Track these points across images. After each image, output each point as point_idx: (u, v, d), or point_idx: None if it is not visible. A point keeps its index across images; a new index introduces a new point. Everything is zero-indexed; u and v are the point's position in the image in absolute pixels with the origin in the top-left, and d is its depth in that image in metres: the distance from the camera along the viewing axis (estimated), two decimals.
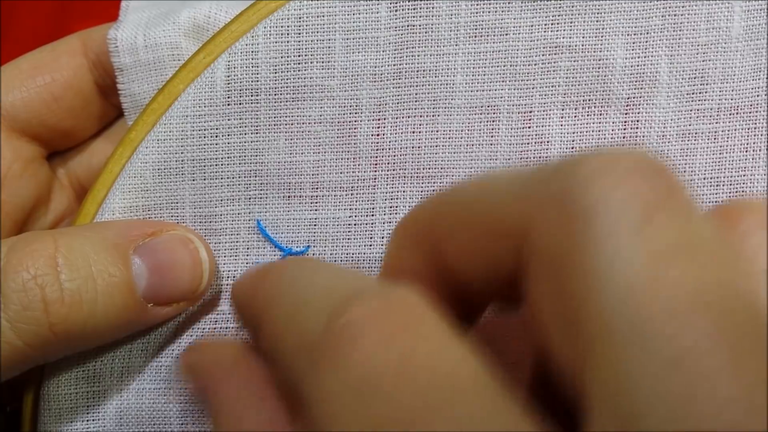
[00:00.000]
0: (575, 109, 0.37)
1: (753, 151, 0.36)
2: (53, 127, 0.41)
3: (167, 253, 0.36)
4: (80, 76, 0.41)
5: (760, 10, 0.36)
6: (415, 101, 0.37)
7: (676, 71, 0.36)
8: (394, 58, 0.37)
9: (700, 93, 0.36)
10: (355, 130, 0.37)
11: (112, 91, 0.41)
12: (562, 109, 0.37)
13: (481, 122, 0.37)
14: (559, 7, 0.36)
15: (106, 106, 0.42)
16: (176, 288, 0.36)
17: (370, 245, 0.38)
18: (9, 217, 0.39)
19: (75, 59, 0.41)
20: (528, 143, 0.37)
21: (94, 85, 0.41)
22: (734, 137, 0.36)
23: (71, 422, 0.38)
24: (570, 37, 0.36)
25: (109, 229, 0.36)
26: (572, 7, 0.36)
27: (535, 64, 0.37)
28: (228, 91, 0.37)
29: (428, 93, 0.37)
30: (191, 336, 0.38)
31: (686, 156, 0.36)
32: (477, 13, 0.37)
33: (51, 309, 0.33)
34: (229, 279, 0.38)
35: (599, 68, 0.36)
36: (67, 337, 0.34)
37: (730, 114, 0.36)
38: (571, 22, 0.36)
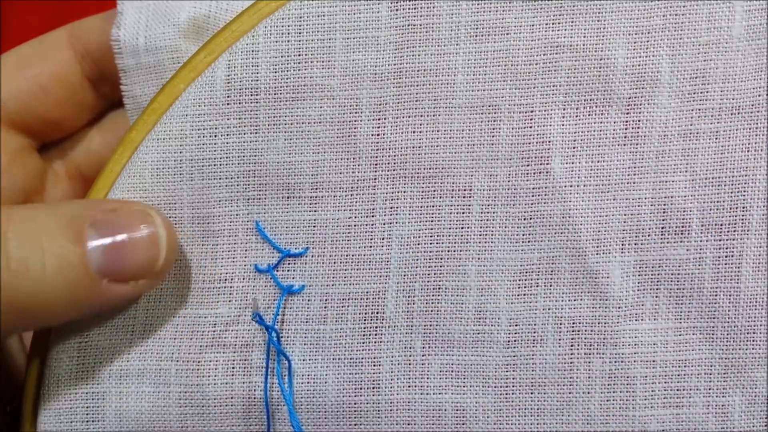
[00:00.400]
0: (576, 109, 0.37)
1: (754, 150, 0.36)
2: (42, 118, 0.41)
3: (123, 228, 0.35)
4: (68, 67, 0.41)
5: (761, 9, 0.36)
6: (416, 101, 0.37)
7: (678, 71, 0.36)
8: (395, 57, 0.37)
9: (701, 93, 0.36)
10: (355, 130, 0.37)
11: (101, 83, 0.42)
12: (564, 109, 0.37)
13: (481, 122, 0.37)
14: (560, 7, 0.36)
15: (96, 98, 0.42)
16: (133, 264, 0.35)
17: (371, 246, 0.38)
18: None
19: (62, 51, 0.41)
20: (529, 143, 0.37)
21: (83, 77, 0.41)
22: (735, 137, 0.36)
23: (71, 422, 0.38)
24: (571, 37, 0.36)
25: (67, 206, 0.36)
26: (573, 6, 0.36)
27: (536, 64, 0.37)
28: (228, 90, 0.37)
29: (429, 92, 0.37)
30: (191, 339, 0.38)
31: (687, 156, 0.36)
32: (478, 12, 0.37)
33: None
34: (228, 281, 0.38)
35: (600, 68, 0.36)
36: (17, 306, 0.34)
37: (731, 114, 0.36)
38: (572, 22, 0.36)
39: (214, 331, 0.38)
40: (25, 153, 0.41)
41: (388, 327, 0.38)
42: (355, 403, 0.38)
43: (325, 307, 0.38)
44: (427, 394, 0.38)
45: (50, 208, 0.35)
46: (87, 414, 0.38)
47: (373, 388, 0.38)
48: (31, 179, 0.41)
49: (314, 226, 0.38)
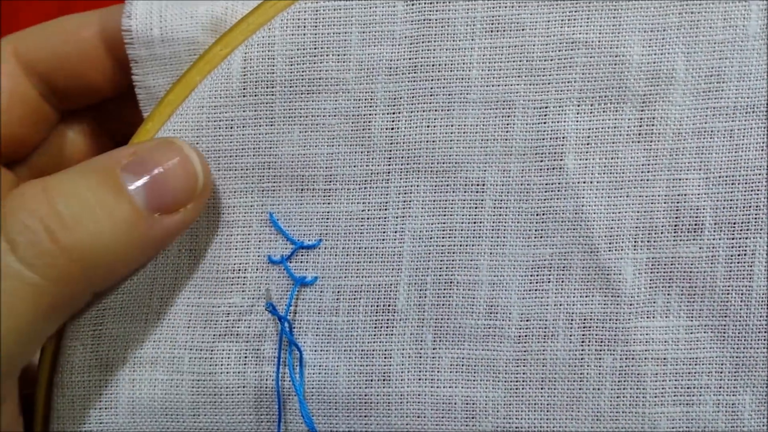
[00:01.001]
0: (591, 105, 0.37)
1: None
2: (9, 138, 0.41)
3: (154, 160, 0.36)
4: (23, 87, 0.41)
5: None
6: (430, 95, 0.37)
7: (693, 69, 0.36)
8: (410, 51, 0.37)
9: (716, 91, 0.36)
10: (370, 124, 0.37)
11: (50, 96, 0.42)
12: (578, 105, 0.37)
13: (495, 117, 0.37)
14: (576, 3, 0.36)
15: (50, 111, 0.42)
16: (176, 191, 0.36)
17: (383, 239, 0.38)
18: None
19: (14, 69, 0.41)
20: (543, 138, 0.37)
21: (38, 95, 0.41)
22: (750, 136, 0.36)
23: (84, 409, 0.38)
24: (587, 33, 0.36)
25: (93, 162, 0.36)
26: (589, 3, 0.36)
27: (551, 60, 0.37)
28: (244, 83, 0.37)
29: (443, 87, 0.37)
30: (204, 328, 0.38)
31: (701, 154, 0.36)
32: (493, 7, 0.37)
33: (56, 236, 0.34)
34: (241, 272, 0.38)
35: (615, 64, 0.36)
36: (83, 261, 0.34)
37: (746, 112, 0.36)
38: (587, 18, 0.36)
39: (227, 321, 0.38)
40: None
41: (400, 320, 0.38)
42: (365, 395, 0.38)
43: (337, 299, 0.38)
44: (437, 387, 0.38)
45: (79, 169, 0.35)
46: (100, 401, 0.39)
47: (384, 380, 0.38)
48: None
49: (327, 219, 0.38)
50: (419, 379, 0.38)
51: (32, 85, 0.41)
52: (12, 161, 0.42)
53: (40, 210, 0.34)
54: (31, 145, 0.42)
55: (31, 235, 0.33)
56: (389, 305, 0.38)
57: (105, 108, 0.43)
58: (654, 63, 0.36)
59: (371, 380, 0.38)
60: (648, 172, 0.37)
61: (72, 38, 0.41)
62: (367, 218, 0.38)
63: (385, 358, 0.38)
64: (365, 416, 0.38)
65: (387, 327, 0.38)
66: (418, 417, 0.38)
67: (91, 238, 0.34)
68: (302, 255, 0.38)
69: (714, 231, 0.36)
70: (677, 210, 0.37)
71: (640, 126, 0.37)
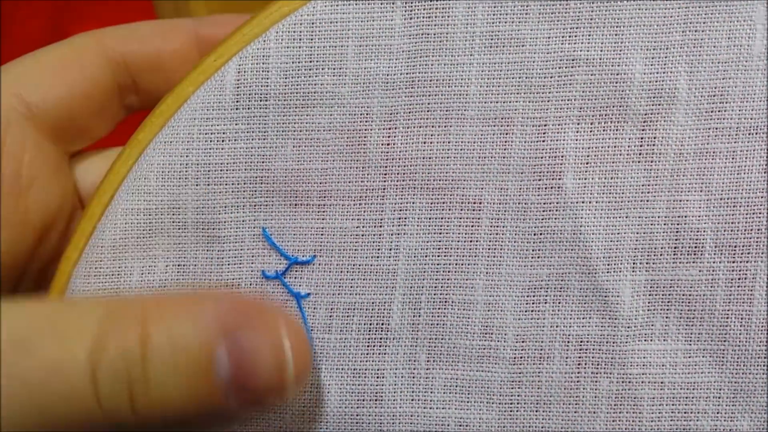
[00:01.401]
0: (591, 124, 0.36)
1: None
2: (80, 126, 0.40)
3: (253, 354, 0.33)
4: (105, 76, 0.40)
5: None
6: (428, 111, 0.36)
7: (696, 88, 0.36)
8: (407, 66, 0.36)
9: (719, 111, 0.36)
10: (365, 139, 0.37)
11: (128, 91, 0.41)
12: (578, 123, 0.36)
13: (494, 134, 0.36)
14: (578, 19, 0.36)
15: (120, 108, 0.42)
16: (257, 386, 0.33)
17: (378, 256, 0.37)
18: (31, 227, 0.38)
19: (98, 58, 0.40)
20: (541, 157, 0.36)
21: (115, 85, 0.41)
22: (753, 158, 0.35)
23: None
24: (588, 50, 0.36)
25: (205, 309, 0.33)
26: (591, 19, 0.36)
27: (551, 77, 0.36)
28: (237, 95, 0.37)
29: (441, 103, 0.36)
30: None
31: (703, 175, 0.36)
32: (493, 23, 0.36)
33: (138, 402, 0.32)
34: (235, 287, 0.38)
35: (617, 82, 0.36)
36: (146, 421, 0.32)
37: (749, 134, 0.35)
38: (589, 35, 0.36)
39: None
40: (63, 166, 0.40)
41: (393, 339, 0.37)
42: (357, 415, 0.38)
43: (330, 316, 0.38)
44: (430, 408, 0.37)
45: (188, 314, 0.33)
46: None
47: (376, 399, 0.38)
48: (67, 196, 0.40)
49: (321, 235, 0.37)
50: (412, 400, 0.38)
51: (113, 75, 0.40)
52: (71, 150, 0.42)
53: (134, 348, 0.32)
54: (93, 139, 0.42)
55: (116, 370, 0.31)
56: (383, 324, 0.37)
57: None
58: (656, 82, 0.36)
59: (363, 400, 0.38)
60: (648, 192, 0.36)
61: (169, 37, 0.41)
62: (362, 235, 0.37)
63: (377, 377, 0.38)
64: None
65: (380, 346, 0.38)
66: None
67: (162, 403, 0.32)
68: (295, 271, 0.38)
69: (714, 254, 0.36)
70: (677, 232, 0.36)
71: (641, 145, 0.36)
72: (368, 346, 0.38)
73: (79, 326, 0.32)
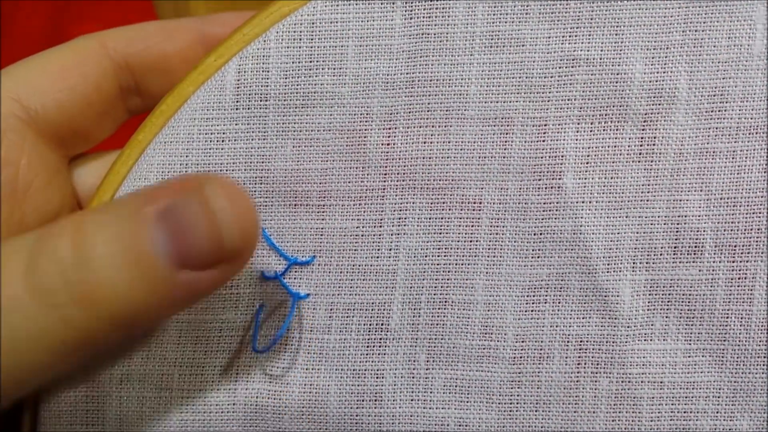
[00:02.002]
0: (591, 124, 0.36)
1: None
2: (81, 131, 0.40)
3: (188, 216, 0.32)
4: (107, 79, 0.40)
5: None
6: (428, 111, 0.36)
7: (696, 88, 0.36)
8: (408, 66, 0.36)
9: (719, 111, 0.36)
10: (365, 139, 0.37)
11: (131, 94, 0.41)
12: (578, 123, 0.36)
13: (494, 134, 0.36)
14: (578, 19, 0.36)
15: (123, 111, 0.41)
16: (198, 252, 0.32)
17: (378, 256, 0.37)
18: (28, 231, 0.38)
19: (100, 62, 0.40)
20: (541, 156, 0.36)
21: (119, 89, 0.40)
22: (753, 157, 0.36)
23: (71, 425, 0.38)
24: (588, 50, 0.36)
25: (126, 203, 0.33)
26: (591, 19, 0.36)
27: (552, 77, 0.36)
28: (237, 95, 0.37)
29: (441, 103, 0.36)
30: (195, 345, 0.38)
31: (703, 175, 0.36)
32: (493, 22, 0.36)
33: (76, 288, 0.31)
34: (233, 288, 0.38)
35: (617, 82, 0.36)
36: (100, 317, 0.32)
37: (749, 133, 0.35)
38: (589, 35, 0.36)
39: (219, 337, 0.38)
40: (62, 171, 0.40)
41: (393, 339, 0.37)
42: (356, 415, 0.38)
43: (330, 317, 0.38)
44: (430, 408, 0.37)
45: (113, 211, 0.33)
46: (87, 417, 0.38)
47: (376, 400, 0.38)
48: (66, 201, 0.40)
49: (321, 235, 0.37)
50: (411, 400, 0.37)
51: (116, 78, 0.40)
52: (71, 154, 0.41)
53: (66, 255, 0.32)
54: (93, 143, 0.41)
55: (52, 281, 0.31)
56: (382, 324, 0.37)
57: None
58: (656, 81, 0.36)
59: (363, 400, 0.38)
60: (648, 192, 0.36)
61: (173, 38, 0.41)
62: (362, 235, 0.37)
63: (377, 378, 0.38)
64: None
65: (380, 346, 0.38)
66: None
67: (113, 294, 0.32)
68: (295, 271, 0.38)
69: (714, 253, 0.36)
70: (677, 231, 0.36)
71: (641, 145, 0.36)
72: (368, 347, 0.38)
73: (10, 258, 0.32)
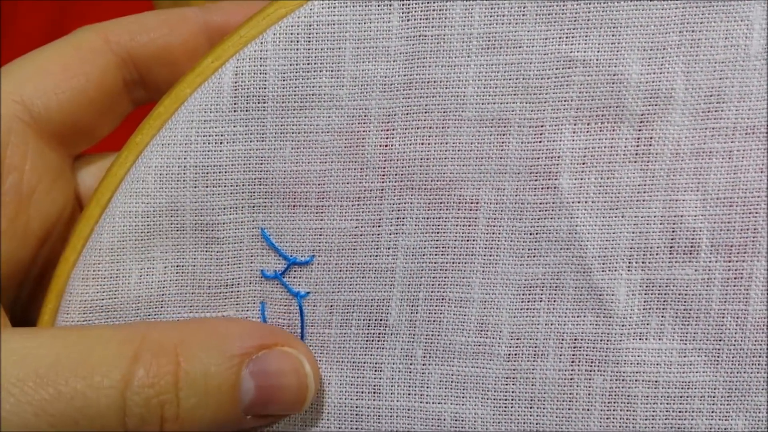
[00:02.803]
0: (588, 125, 0.36)
1: None
2: (85, 129, 0.40)
3: (276, 377, 0.36)
4: (111, 75, 0.40)
5: None
6: (425, 112, 0.37)
7: (692, 88, 0.35)
8: (405, 68, 0.36)
9: (716, 111, 0.35)
10: (363, 140, 0.37)
11: (136, 86, 0.41)
12: (575, 124, 0.36)
13: (491, 135, 0.36)
14: (575, 21, 0.36)
15: (128, 103, 0.41)
16: (278, 407, 0.37)
17: (376, 255, 0.37)
18: (33, 235, 0.39)
19: (103, 57, 0.39)
20: (538, 158, 0.36)
21: (122, 83, 0.40)
22: (749, 157, 0.35)
23: None
24: (585, 51, 0.36)
25: (228, 338, 0.36)
26: (587, 20, 0.35)
27: (548, 78, 0.36)
28: (235, 97, 0.37)
29: (438, 104, 0.36)
30: None
31: (699, 175, 0.36)
32: (490, 24, 0.36)
33: (166, 426, 0.34)
34: (235, 286, 0.38)
35: (613, 83, 0.36)
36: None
37: (746, 133, 0.35)
38: (586, 36, 0.36)
39: None
40: (66, 171, 0.40)
41: (391, 334, 0.38)
42: (356, 407, 0.38)
43: (330, 313, 0.38)
44: (427, 402, 0.38)
45: (214, 342, 0.35)
46: None
47: (374, 392, 0.38)
48: (69, 201, 0.40)
49: (320, 235, 0.38)
50: (409, 394, 0.38)
51: (120, 72, 0.40)
52: (75, 153, 0.41)
53: (165, 395, 0.34)
54: (99, 136, 0.41)
55: (147, 414, 0.34)
56: (381, 320, 0.38)
57: None
58: (653, 82, 0.36)
59: (362, 392, 0.38)
60: (644, 192, 0.36)
61: (177, 29, 0.40)
62: (360, 235, 0.37)
63: (375, 371, 0.38)
64: (356, 428, 0.38)
65: (378, 341, 0.38)
66: (408, 431, 0.38)
67: (192, 429, 0.35)
68: (294, 270, 0.38)
69: (710, 253, 0.36)
70: (673, 231, 0.36)
71: (638, 146, 0.36)
72: (367, 341, 0.38)
73: (108, 356, 0.34)
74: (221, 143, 0.37)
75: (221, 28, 0.40)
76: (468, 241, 0.37)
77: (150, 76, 0.41)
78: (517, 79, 0.36)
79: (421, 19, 0.36)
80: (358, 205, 0.37)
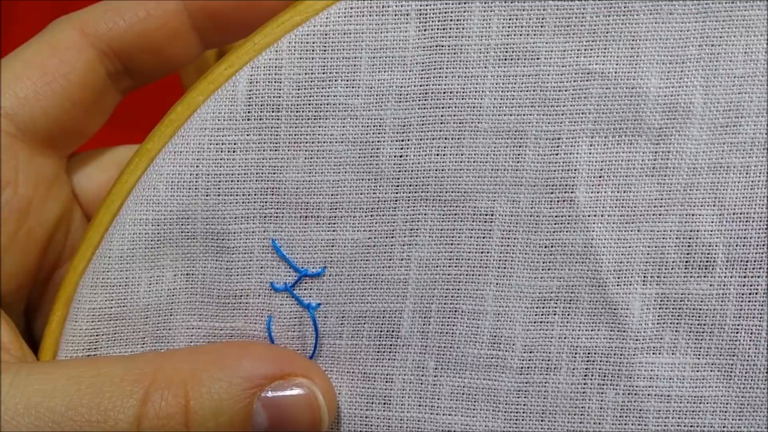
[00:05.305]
0: (605, 137, 0.36)
1: None
2: (73, 130, 0.39)
3: (290, 409, 0.35)
4: (93, 71, 0.39)
5: None
6: (441, 123, 0.36)
7: (711, 103, 0.35)
8: (421, 78, 0.36)
9: (734, 126, 0.35)
10: (378, 151, 0.36)
11: (121, 77, 0.40)
12: (592, 137, 0.36)
13: (507, 147, 0.36)
14: (593, 33, 0.35)
15: (115, 94, 0.41)
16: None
17: (389, 266, 0.37)
18: (36, 245, 0.38)
19: (82, 54, 0.38)
20: (555, 170, 0.36)
21: (106, 77, 0.39)
22: (766, 172, 0.35)
23: None
24: (603, 64, 0.35)
25: (241, 369, 0.35)
26: (606, 33, 0.35)
27: (566, 90, 0.36)
28: (249, 105, 0.36)
29: (454, 115, 0.36)
30: None
31: (716, 189, 0.35)
32: (508, 35, 0.35)
33: None
34: (244, 297, 0.38)
35: (632, 96, 0.35)
36: None
37: (763, 149, 0.35)
38: (604, 48, 0.35)
39: None
40: (60, 174, 0.40)
41: (403, 345, 0.38)
42: (366, 417, 0.38)
43: (341, 324, 0.38)
44: (437, 414, 0.38)
45: (224, 375, 0.35)
46: None
47: (385, 403, 0.38)
48: (66, 204, 0.40)
49: (332, 246, 0.37)
50: (419, 405, 0.38)
51: (102, 66, 0.39)
52: (67, 153, 0.41)
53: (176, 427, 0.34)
54: (90, 133, 0.41)
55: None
56: (393, 331, 0.38)
57: None
58: (671, 96, 0.35)
59: (372, 403, 0.38)
60: (660, 206, 0.36)
61: (154, 12, 0.39)
62: (373, 246, 0.37)
63: (386, 381, 0.38)
64: None
65: (390, 352, 0.38)
66: None
67: None
68: (305, 281, 0.38)
69: (726, 268, 0.36)
70: (689, 246, 0.36)
71: (655, 160, 0.36)
72: (378, 352, 0.38)
73: (120, 399, 0.34)
74: (234, 152, 0.37)
75: (202, 6, 0.38)
76: (482, 253, 0.37)
77: (133, 64, 0.39)
78: (534, 90, 0.36)
79: (438, 29, 0.36)
80: (371, 215, 0.37)
